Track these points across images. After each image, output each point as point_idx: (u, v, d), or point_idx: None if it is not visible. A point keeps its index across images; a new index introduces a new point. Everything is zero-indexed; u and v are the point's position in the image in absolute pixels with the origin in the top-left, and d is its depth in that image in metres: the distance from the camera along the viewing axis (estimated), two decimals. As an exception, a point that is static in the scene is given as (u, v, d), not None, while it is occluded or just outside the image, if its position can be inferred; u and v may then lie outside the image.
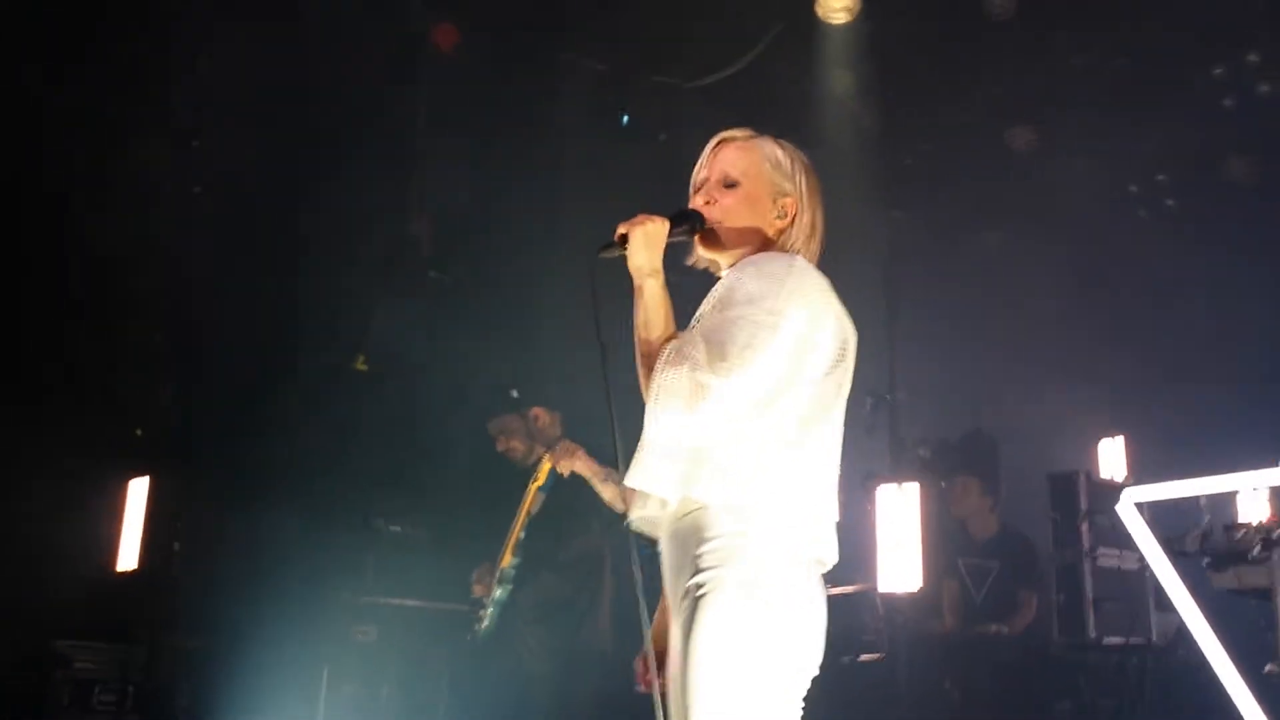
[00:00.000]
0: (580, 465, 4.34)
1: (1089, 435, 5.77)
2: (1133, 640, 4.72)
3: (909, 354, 5.97)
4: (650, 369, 2.14)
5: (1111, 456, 5.59)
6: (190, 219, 6.32)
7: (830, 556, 2.21)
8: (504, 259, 7.04)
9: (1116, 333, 6.57)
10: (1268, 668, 3.61)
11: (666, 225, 2.26)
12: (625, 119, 7.29)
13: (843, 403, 2.26)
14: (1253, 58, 6.33)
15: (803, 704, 2.14)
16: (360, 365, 6.41)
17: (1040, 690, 5.08)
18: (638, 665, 2.35)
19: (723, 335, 2.10)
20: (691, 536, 2.12)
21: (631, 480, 2.14)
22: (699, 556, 2.09)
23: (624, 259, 2.25)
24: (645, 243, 2.23)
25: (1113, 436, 5.65)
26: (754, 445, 2.11)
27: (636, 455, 2.14)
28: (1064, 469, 5.05)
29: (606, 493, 4.28)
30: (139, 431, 6.19)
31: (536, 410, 4.70)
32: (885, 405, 5.63)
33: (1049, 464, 5.22)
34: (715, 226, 2.35)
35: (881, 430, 5.67)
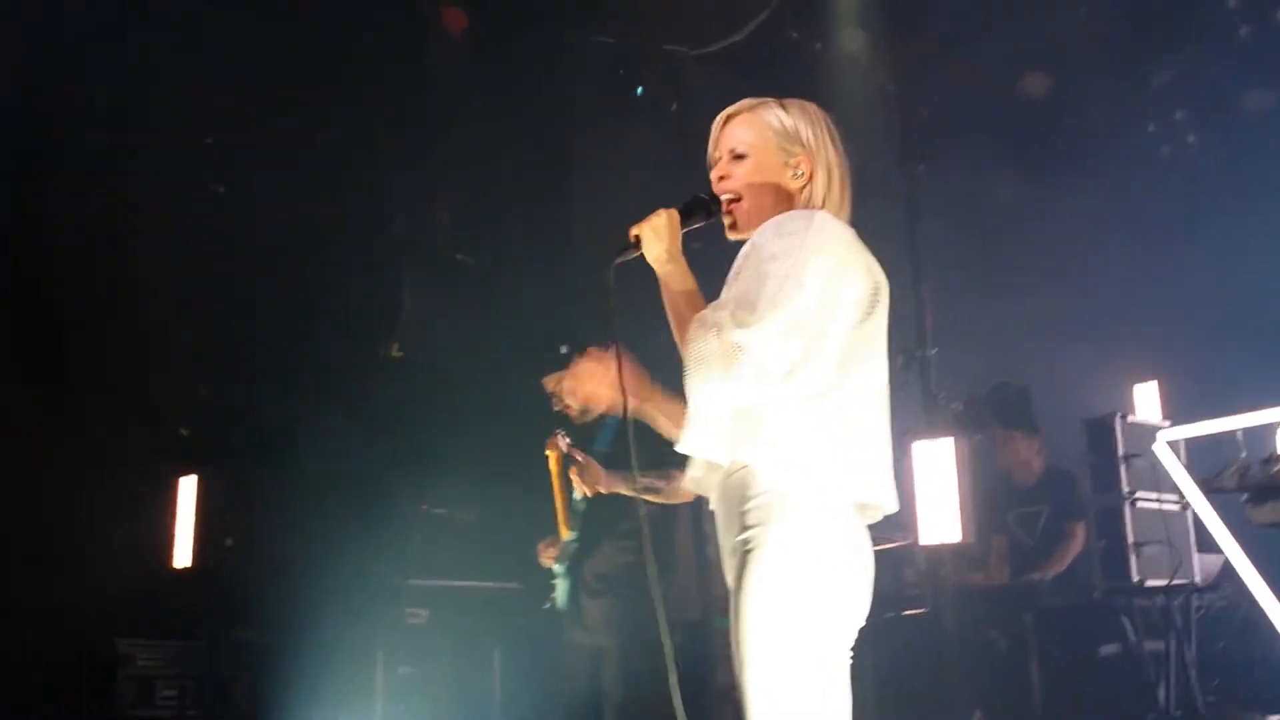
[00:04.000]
0: (604, 487, 4.06)
1: (1124, 380, 5.76)
2: (1176, 582, 4.74)
3: (938, 308, 5.97)
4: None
5: (1147, 400, 5.58)
6: (216, 216, 6.38)
7: (887, 501, 2.24)
8: (526, 236, 7.07)
9: (1145, 275, 6.53)
10: (1313, 600, 3.62)
11: (676, 215, 2.34)
12: (639, 90, 7.28)
13: (883, 348, 2.29)
14: (1266, -15, 6.24)
15: (851, 655, 2.19)
16: (395, 353, 6.48)
17: (1086, 636, 5.11)
18: None
19: (749, 294, 2.14)
20: (737, 494, 2.18)
21: (683, 447, 2.21)
22: (744, 514, 2.15)
23: (643, 258, 2.33)
24: (657, 236, 2.31)
25: (1147, 380, 5.63)
26: (794, 400, 2.15)
27: (684, 424, 2.19)
28: (1099, 414, 5.06)
29: (629, 491, 4.01)
30: (184, 431, 6.28)
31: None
32: (916, 361, 5.65)
33: (1084, 411, 5.20)
34: (733, 203, 2.39)
35: (914, 386, 5.69)
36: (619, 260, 2.33)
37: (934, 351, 5.69)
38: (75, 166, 5.96)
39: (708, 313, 2.16)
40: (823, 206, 2.36)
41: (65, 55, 5.76)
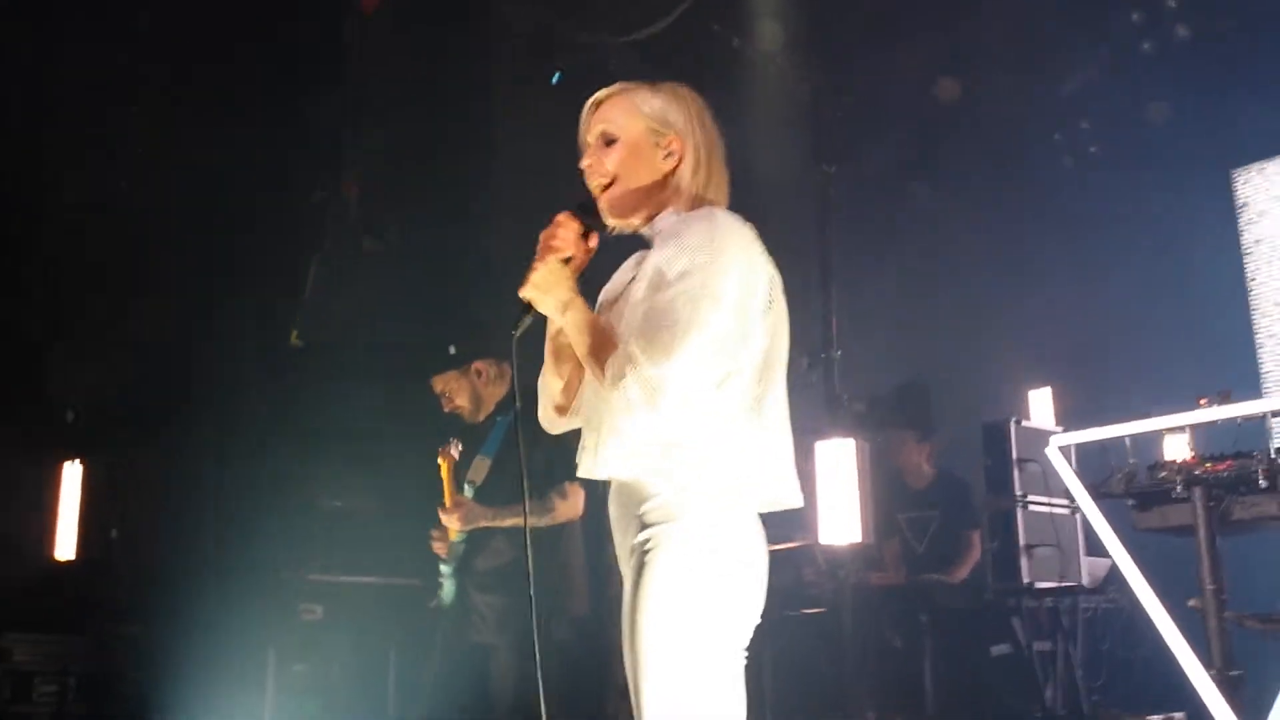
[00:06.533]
0: (479, 521, 4.09)
1: (1020, 385, 5.86)
2: (1064, 584, 4.86)
3: (844, 310, 6.01)
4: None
5: (1041, 406, 5.69)
6: (114, 192, 6.18)
7: (792, 498, 2.24)
8: (437, 222, 6.95)
9: (1044, 281, 6.65)
10: (1191, 602, 3.74)
11: (556, 265, 2.23)
12: (557, 76, 7.20)
13: (783, 346, 2.27)
14: (1170, 2, 6.38)
15: (746, 654, 2.19)
16: (294, 340, 6.32)
17: (978, 636, 5.21)
18: None
19: (664, 320, 2.10)
20: (635, 495, 2.17)
21: (597, 473, 2.20)
22: (643, 514, 2.15)
23: (540, 317, 2.27)
24: (544, 290, 2.21)
25: (1041, 386, 5.74)
26: (718, 412, 2.14)
27: (595, 448, 2.19)
28: (996, 418, 5.15)
29: (510, 522, 4.07)
30: (70, 415, 6.07)
31: (478, 365, 4.36)
32: (821, 362, 5.69)
33: (982, 414, 5.31)
34: (606, 189, 2.34)
35: (818, 387, 5.72)
36: (518, 332, 2.26)
37: (838, 353, 5.73)
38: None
39: (619, 356, 2.11)
40: (698, 189, 2.34)
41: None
